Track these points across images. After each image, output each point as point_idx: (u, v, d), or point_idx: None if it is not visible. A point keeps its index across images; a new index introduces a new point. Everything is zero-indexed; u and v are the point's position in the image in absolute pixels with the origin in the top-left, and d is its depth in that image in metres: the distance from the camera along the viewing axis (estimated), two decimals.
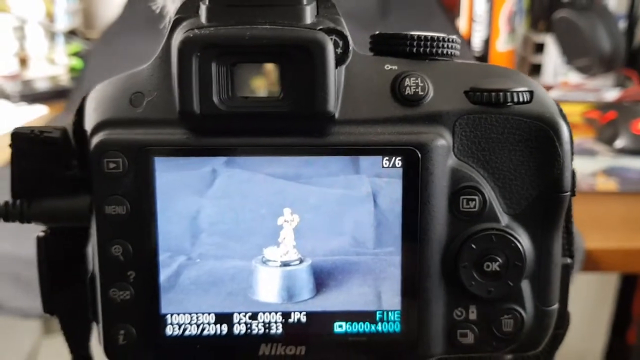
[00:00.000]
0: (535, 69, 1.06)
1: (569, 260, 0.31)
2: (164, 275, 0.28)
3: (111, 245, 0.28)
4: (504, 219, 0.29)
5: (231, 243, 0.29)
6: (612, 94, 0.97)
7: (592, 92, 0.99)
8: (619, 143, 0.83)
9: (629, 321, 1.14)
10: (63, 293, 0.31)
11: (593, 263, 0.68)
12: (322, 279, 0.29)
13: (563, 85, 1.03)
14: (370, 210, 0.28)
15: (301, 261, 0.29)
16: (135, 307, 0.28)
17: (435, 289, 0.29)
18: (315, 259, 0.29)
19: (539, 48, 1.06)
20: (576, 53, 0.97)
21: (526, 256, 0.28)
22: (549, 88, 1.01)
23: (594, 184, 0.77)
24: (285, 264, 0.29)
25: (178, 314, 0.29)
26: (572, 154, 0.29)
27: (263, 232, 0.28)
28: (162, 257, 0.28)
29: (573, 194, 0.30)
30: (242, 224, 0.28)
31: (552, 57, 1.05)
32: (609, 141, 0.84)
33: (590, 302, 1.21)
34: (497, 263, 0.28)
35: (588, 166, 0.80)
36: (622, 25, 1.00)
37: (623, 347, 1.15)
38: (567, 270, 0.31)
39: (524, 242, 0.29)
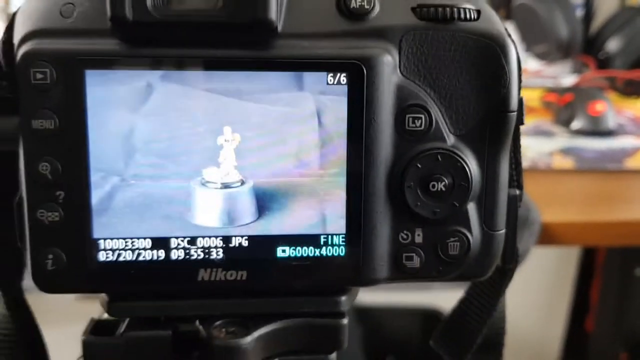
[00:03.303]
0: None
1: (517, 192, 0.30)
2: (95, 197, 0.27)
3: (38, 163, 0.26)
4: (451, 139, 0.28)
5: (168, 163, 0.27)
6: (569, 80, 0.99)
7: (550, 78, 1.00)
8: (576, 124, 0.84)
9: (588, 309, 1.15)
10: None
11: (551, 236, 0.68)
12: (264, 202, 0.28)
13: (522, 72, 1.04)
14: (315, 129, 0.27)
15: (243, 183, 0.28)
16: (64, 231, 0.27)
17: (380, 211, 0.28)
18: (257, 180, 0.28)
19: None
20: (535, 39, 0.98)
21: (472, 177, 0.28)
22: None
23: (550, 163, 0.77)
24: (225, 186, 0.28)
25: (111, 239, 0.27)
26: (520, 76, 0.29)
27: (202, 152, 0.27)
28: (94, 177, 0.27)
29: (521, 122, 0.30)
30: (179, 143, 0.27)
31: None
32: (566, 123, 0.85)
33: (548, 290, 1.22)
34: (443, 183, 0.27)
35: (545, 146, 0.80)
36: (580, 12, 1.02)
37: (582, 335, 1.16)
38: (514, 202, 0.30)
39: (470, 162, 0.28)
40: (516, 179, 0.31)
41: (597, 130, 0.83)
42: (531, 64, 1.03)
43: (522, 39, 0.99)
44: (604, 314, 1.11)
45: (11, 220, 0.28)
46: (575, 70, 1.02)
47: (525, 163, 0.76)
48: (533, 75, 1.02)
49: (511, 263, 0.31)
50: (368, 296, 0.98)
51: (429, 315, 1.01)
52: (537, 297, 1.22)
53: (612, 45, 0.97)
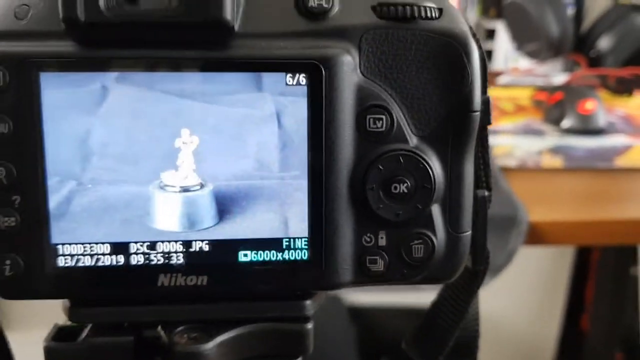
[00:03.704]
0: (487, 55, 1.06)
1: (486, 193, 0.30)
2: (53, 201, 0.27)
3: None
4: (413, 140, 0.27)
5: (125, 167, 0.27)
6: (560, 78, 0.98)
7: (541, 77, 1.00)
8: (566, 123, 0.83)
9: (583, 308, 1.15)
10: None
11: (540, 236, 0.67)
12: (225, 205, 0.27)
13: (513, 71, 1.04)
14: (275, 131, 0.27)
15: (202, 186, 0.27)
16: (22, 236, 0.26)
17: (343, 214, 0.27)
18: (217, 183, 0.27)
19: (490, 34, 1.07)
20: (526, 38, 0.98)
21: (435, 178, 0.27)
22: (499, 74, 1.02)
23: (539, 162, 0.77)
24: (185, 190, 0.27)
25: (70, 244, 0.27)
26: (486, 76, 0.29)
27: (160, 155, 0.27)
28: (51, 181, 0.26)
29: (488, 122, 0.29)
30: (136, 146, 0.27)
31: (502, 43, 1.05)
32: (556, 121, 0.84)
33: (543, 290, 1.21)
34: (405, 185, 0.27)
35: (534, 145, 0.80)
36: (571, 11, 1.01)
37: (577, 334, 1.15)
38: (483, 203, 0.30)
39: (434, 164, 0.27)
40: (485, 180, 0.30)
41: (587, 128, 0.82)
42: (522, 62, 1.03)
43: (513, 38, 0.99)
44: (599, 314, 1.10)
45: None
46: (567, 69, 1.02)
47: (513, 162, 0.76)
48: (524, 74, 1.02)
49: (481, 265, 0.31)
50: (362, 297, 0.97)
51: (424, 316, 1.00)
52: (532, 297, 1.21)
53: (604, 43, 0.96)
